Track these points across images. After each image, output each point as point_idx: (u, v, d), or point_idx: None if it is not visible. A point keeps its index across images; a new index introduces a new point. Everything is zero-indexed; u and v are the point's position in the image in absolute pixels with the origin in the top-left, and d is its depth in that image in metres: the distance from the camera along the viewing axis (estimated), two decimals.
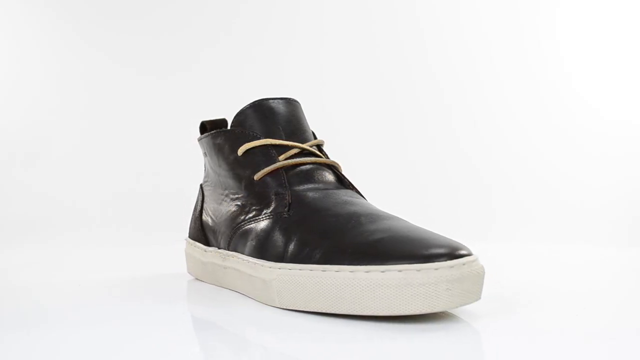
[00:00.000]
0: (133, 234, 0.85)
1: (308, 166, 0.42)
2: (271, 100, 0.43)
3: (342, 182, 0.43)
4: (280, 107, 0.43)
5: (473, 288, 0.32)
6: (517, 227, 0.80)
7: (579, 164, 0.88)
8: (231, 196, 0.44)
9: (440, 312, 0.33)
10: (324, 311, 0.33)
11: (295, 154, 0.42)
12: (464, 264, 0.31)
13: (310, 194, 0.40)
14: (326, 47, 1.02)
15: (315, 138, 0.46)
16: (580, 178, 0.87)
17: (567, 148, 0.90)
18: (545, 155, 0.90)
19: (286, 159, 0.41)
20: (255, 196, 0.41)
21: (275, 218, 0.39)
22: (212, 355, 0.28)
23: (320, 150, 0.45)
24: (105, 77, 1.06)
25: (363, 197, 0.43)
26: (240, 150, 0.42)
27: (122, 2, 1.08)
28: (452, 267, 0.30)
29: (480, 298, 0.33)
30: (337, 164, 0.44)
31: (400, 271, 0.30)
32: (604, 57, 0.92)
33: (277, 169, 0.41)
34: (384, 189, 0.89)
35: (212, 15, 1.05)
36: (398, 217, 0.37)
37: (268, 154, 0.41)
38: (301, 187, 0.40)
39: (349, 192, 0.42)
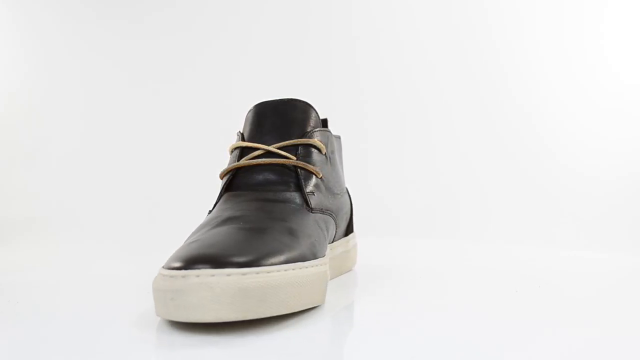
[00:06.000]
0: (132, 233, 0.85)
1: (264, 167, 0.40)
2: (265, 102, 0.43)
3: (298, 184, 0.41)
4: (268, 109, 0.43)
5: (201, 302, 0.28)
6: (516, 229, 0.80)
7: (580, 165, 0.88)
8: None
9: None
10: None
11: (259, 155, 0.41)
12: (197, 276, 0.28)
13: (236, 196, 0.39)
14: (340, 50, 1.02)
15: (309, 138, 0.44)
16: (581, 179, 0.87)
17: (568, 151, 0.90)
18: (546, 161, 0.90)
19: (247, 160, 0.41)
20: None
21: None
22: (209, 355, 0.28)
23: (297, 151, 0.42)
24: (106, 78, 1.06)
25: (306, 202, 0.40)
26: (229, 153, 0.44)
27: (124, 5, 1.08)
28: (174, 277, 0.29)
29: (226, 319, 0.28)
30: (303, 165, 0.41)
31: (163, 275, 0.30)
32: (603, 57, 0.91)
33: (231, 170, 0.41)
34: (386, 190, 0.89)
35: (214, 16, 1.05)
36: (263, 229, 0.34)
37: (234, 156, 0.42)
38: (241, 190, 0.40)
39: (292, 195, 0.40)
